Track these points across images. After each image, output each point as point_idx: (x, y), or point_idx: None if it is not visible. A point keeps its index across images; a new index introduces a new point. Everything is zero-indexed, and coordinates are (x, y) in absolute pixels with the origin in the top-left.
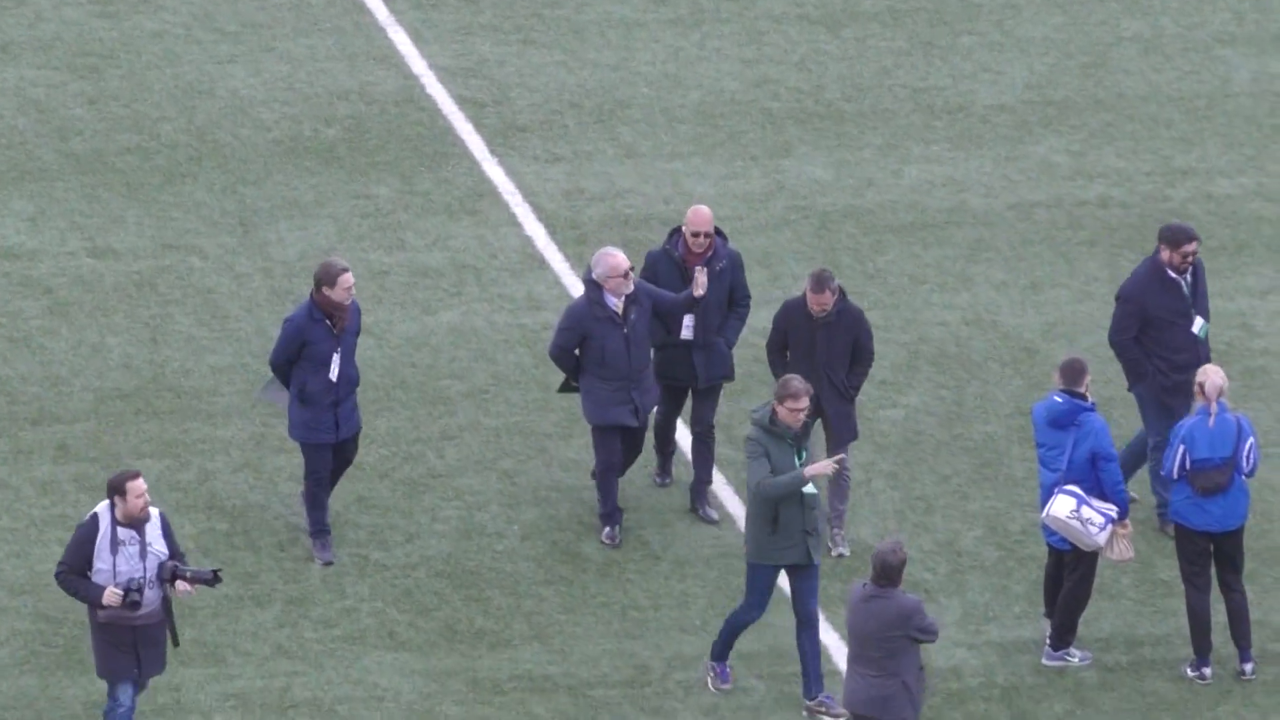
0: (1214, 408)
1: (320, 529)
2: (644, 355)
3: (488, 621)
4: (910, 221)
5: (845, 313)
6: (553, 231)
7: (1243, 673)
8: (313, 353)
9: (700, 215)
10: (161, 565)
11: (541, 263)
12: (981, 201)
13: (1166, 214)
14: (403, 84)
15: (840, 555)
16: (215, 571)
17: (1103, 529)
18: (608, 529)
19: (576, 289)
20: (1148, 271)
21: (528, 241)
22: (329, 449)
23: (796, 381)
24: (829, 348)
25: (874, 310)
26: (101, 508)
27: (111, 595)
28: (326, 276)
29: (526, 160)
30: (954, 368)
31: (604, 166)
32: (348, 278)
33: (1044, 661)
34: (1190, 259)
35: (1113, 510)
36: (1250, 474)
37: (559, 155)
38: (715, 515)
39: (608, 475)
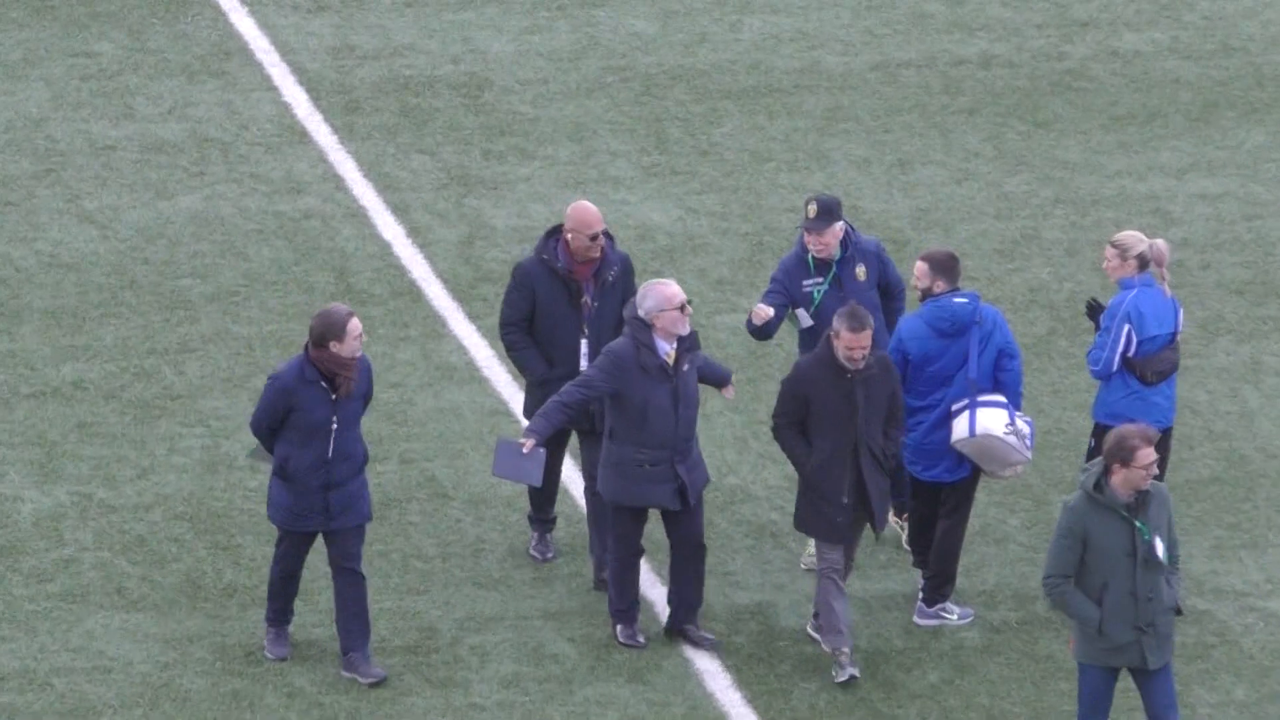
0: (1166, 275)
1: (277, 618)
2: (693, 419)
3: (239, 575)
4: (752, 85)
5: (878, 358)
6: (316, 98)
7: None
8: (301, 421)
9: (588, 213)
10: None
11: (303, 136)
12: (838, 61)
13: (1062, 75)
14: None
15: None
16: None
17: (1031, 442)
18: (621, 626)
19: (347, 168)
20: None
21: (285, 110)
22: (310, 540)
23: (1137, 435)
24: (869, 408)
25: (708, 194)
26: None
27: None
28: (330, 328)
29: (284, 9)
30: None
31: (378, 18)
32: (355, 325)
33: (916, 620)
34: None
35: (1024, 429)
36: None
37: (323, 3)
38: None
39: (625, 572)
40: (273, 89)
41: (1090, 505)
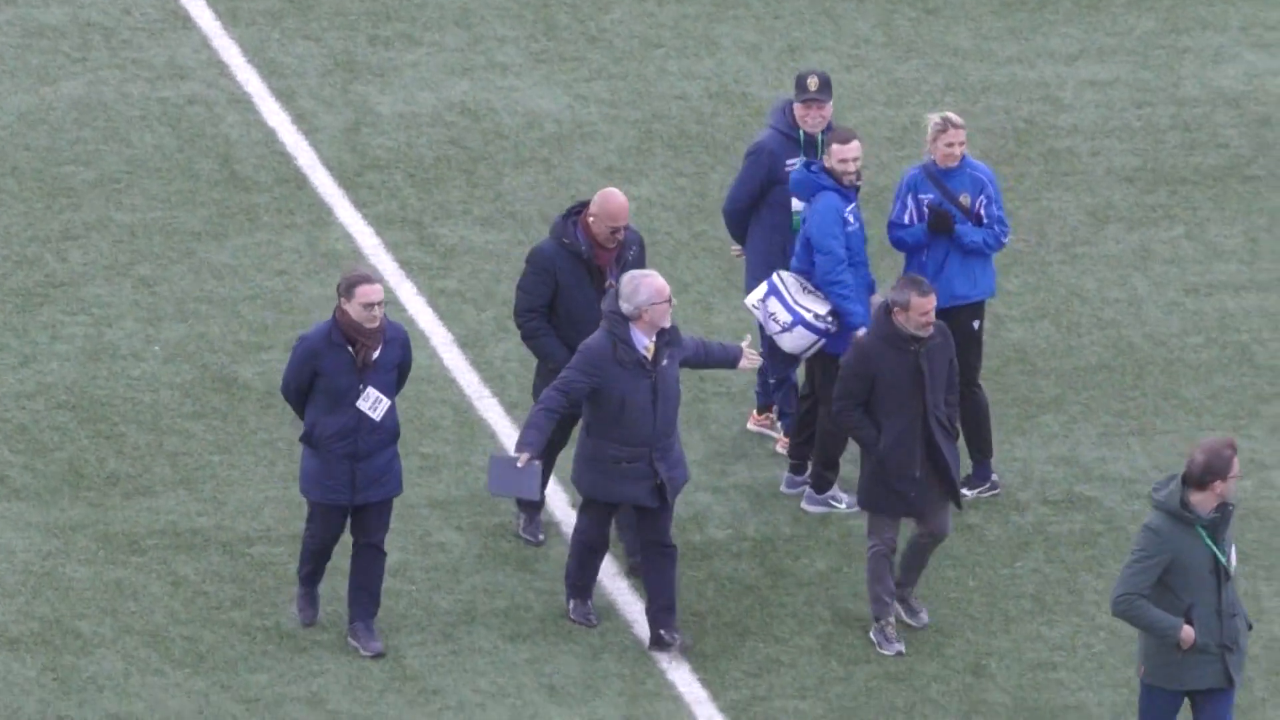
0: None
1: (308, 578)
2: (673, 414)
3: (122, 464)
4: None
5: (938, 326)
6: None
7: (993, 486)
8: (327, 386)
9: (616, 205)
10: None
11: (186, 21)
12: None
13: None
14: None
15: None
16: None
17: (787, 329)
18: (575, 602)
19: (230, 54)
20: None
21: None
22: (342, 514)
23: (1226, 446)
24: (934, 376)
25: (597, 80)
26: None
27: None
28: (342, 283)
29: None
30: (696, 151)
31: None
32: (368, 291)
33: (804, 507)
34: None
35: (822, 310)
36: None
37: None
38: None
39: (586, 556)
40: None
41: (1174, 525)
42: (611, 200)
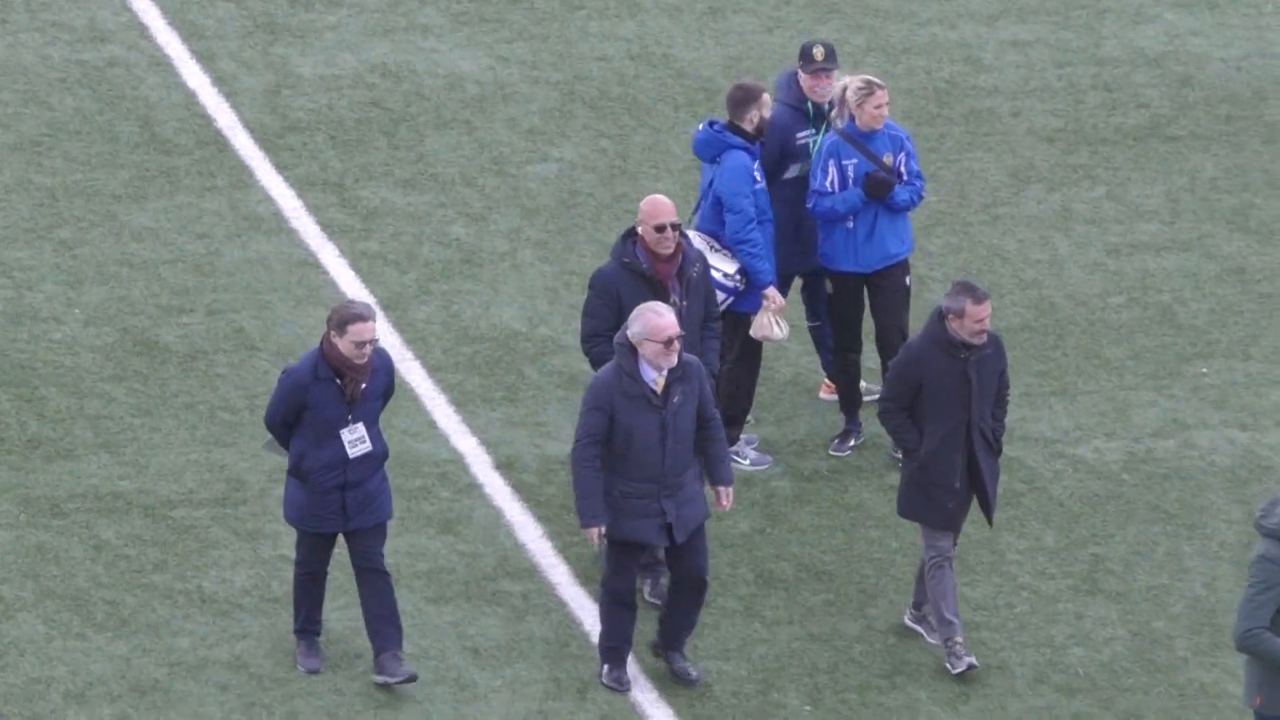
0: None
1: (306, 627)
2: (685, 453)
3: (42, 427)
4: None
5: (991, 336)
6: None
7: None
8: (315, 420)
9: (657, 204)
10: None
11: None
12: None
13: None
14: None
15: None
16: None
17: None
18: (608, 667)
19: (150, 16)
20: None
21: None
22: (331, 541)
23: None
24: (982, 387)
25: (518, 42)
26: None
27: None
28: (335, 319)
29: None
30: (617, 112)
31: None
32: (361, 330)
33: None
34: None
35: (731, 269)
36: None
37: None
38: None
39: (616, 608)
40: None
41: None
42: (653, 200)
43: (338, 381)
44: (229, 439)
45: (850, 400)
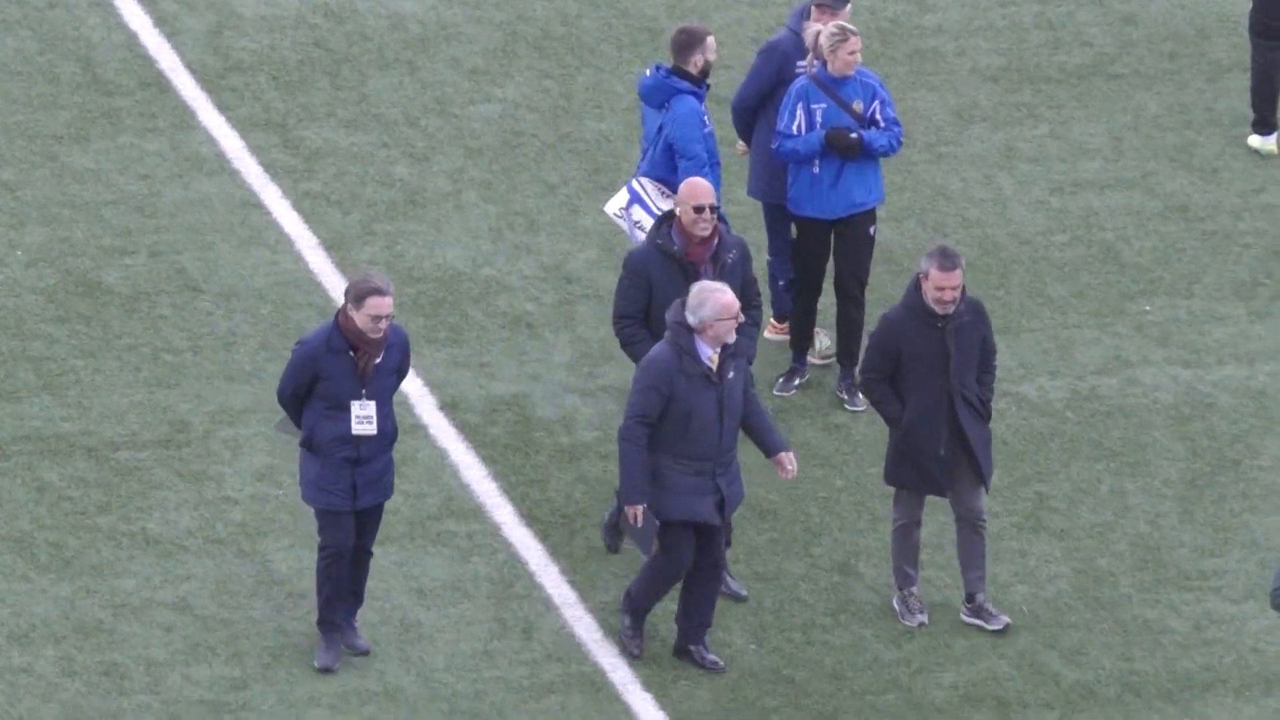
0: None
1: (328, 621)
2: (736, 429)
3: None
4: None
5: (970, 303)
6: None
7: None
8: (327, 392)
9: (696, 186)
10: None
11: None
12: None
13: None
14: None
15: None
16: None
17: None
18: (630, 619)
19: None
20: None
21: None
22: (348, 518)
23: None
24: (962, 355)
25: None
26: None
27: None
28: (352, 293)
29: None
30: (560, 52)
31: None
32: (379, 304)
33: None
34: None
35: None
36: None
37: None
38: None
39: (662, 585)
40: None
41: None
42: (691, 183)
43: (351, 354)
44: (172, 380)
45: (800, 340)
